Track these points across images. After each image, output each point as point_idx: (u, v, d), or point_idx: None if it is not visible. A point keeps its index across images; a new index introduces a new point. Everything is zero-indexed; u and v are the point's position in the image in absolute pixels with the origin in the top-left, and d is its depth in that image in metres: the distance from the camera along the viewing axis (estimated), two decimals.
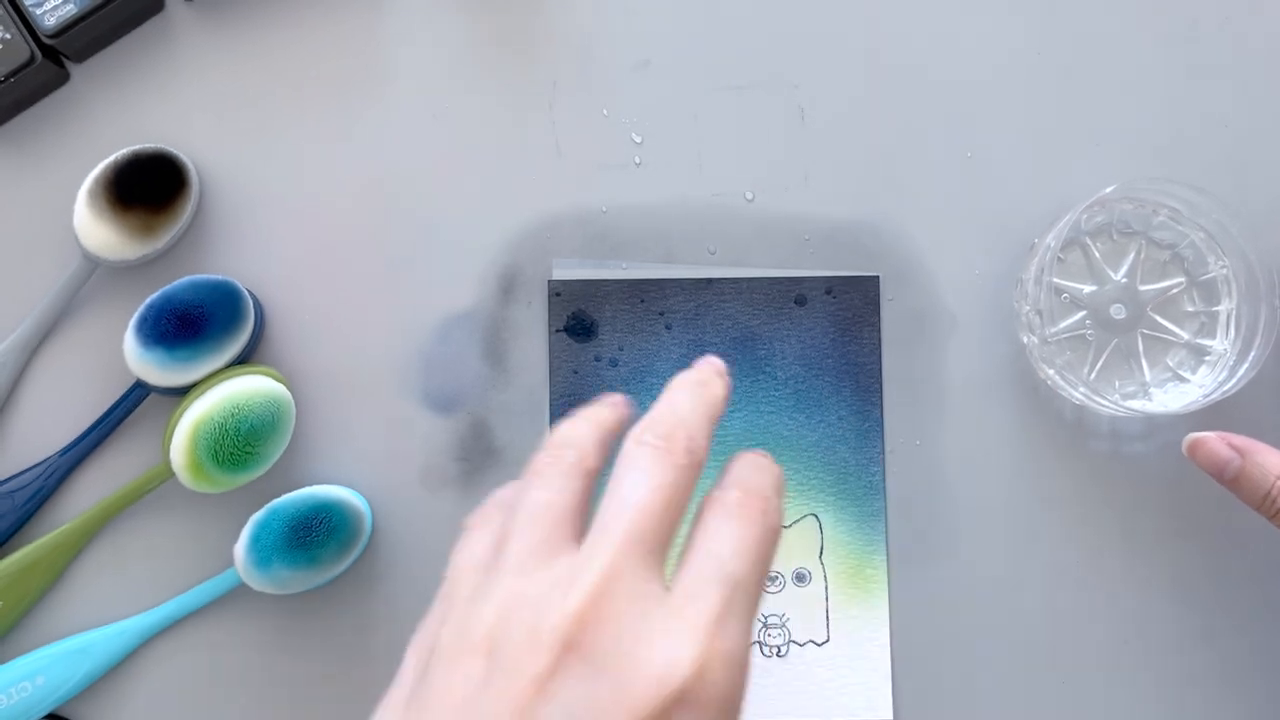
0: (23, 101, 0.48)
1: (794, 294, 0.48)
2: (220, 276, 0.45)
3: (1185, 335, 0.46)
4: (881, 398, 0.47)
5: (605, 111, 0.48)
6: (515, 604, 0.28)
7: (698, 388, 0.32)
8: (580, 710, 0.26)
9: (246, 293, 0.45)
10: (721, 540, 0.29)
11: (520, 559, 0.29)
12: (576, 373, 0.47)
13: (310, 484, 0.46)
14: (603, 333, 0.48)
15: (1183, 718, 0.46)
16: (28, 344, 0.47)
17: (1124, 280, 0.46)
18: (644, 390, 0.47)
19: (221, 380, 0.45)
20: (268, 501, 0.45)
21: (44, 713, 0.45)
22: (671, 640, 0.27)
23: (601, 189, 0.48)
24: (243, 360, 0.46)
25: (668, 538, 0.29)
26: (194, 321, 0.44)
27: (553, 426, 0.47)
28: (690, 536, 0.30)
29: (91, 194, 0.46)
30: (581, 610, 0.27)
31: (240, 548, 0.44)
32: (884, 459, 0.47)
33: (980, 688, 0.46)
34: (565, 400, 0.47)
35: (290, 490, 0.45)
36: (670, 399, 0.32)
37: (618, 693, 0.26)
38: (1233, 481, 0.42)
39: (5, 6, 0.46)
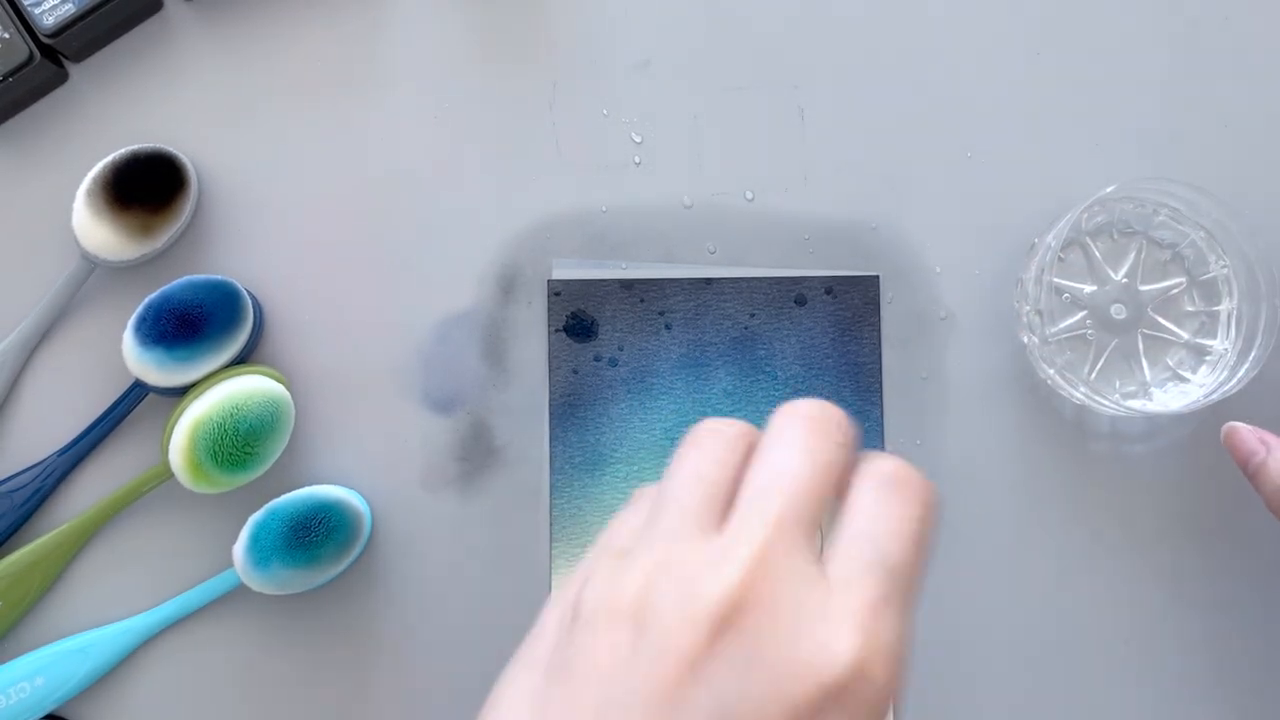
0: (21, 101, 0.47)
1: (794, 293, 0.48)
2: (219, 276, 0.45)
3: (1186, 335, 0.46)
4: (881, 397, 0.47)
5: (605, 111, 0.48)
6: (667, 572, 0.26)
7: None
8: (732, 697, 0.24)
9: (245, 292, 0.45)
10: (879, 520, 0.27)
11: (673, 526, 0.27)
12: (576, 372, 0.47)
13: (309, 484, 0.46)
14: (602, 332, 0.48)
15: (1183, 717, 0.46)
16: (26, 344, 0.47)
17: (1124, 280, 0.46)
18: (644, 390, 0.47)
19: (220, 380, 0.44)
20: (267, 502, 0.45)
21: (43, 713, 0.45)
22: (829, 630, 0.25)
23: (601, 189, 0.48)
24: (242, 360, 0.46)
25: (819, 516, 0.27)
26: (193, 321, 0.44)
27: (552, 426, 0.47)
28: (844, 514, 0.28)
29: (90, 194, 0.46)
30: (737, 587, 0.25)
31: (239, 548, 0.44)
32: None
33: (980, 688, 0.46)
34: (565, 400, 0.47)
35: (289, 490, 0.45)
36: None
37: (772, 683, 0.24)
38: (1254, 475, 0.42)
39: (4, 6, 0.46)
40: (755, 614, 0.25)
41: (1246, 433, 0.43)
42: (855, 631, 0.25)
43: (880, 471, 0.28)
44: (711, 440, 0.29)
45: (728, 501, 0.28)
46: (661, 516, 0.28)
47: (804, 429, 0.28)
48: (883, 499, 0.27)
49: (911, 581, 0.27)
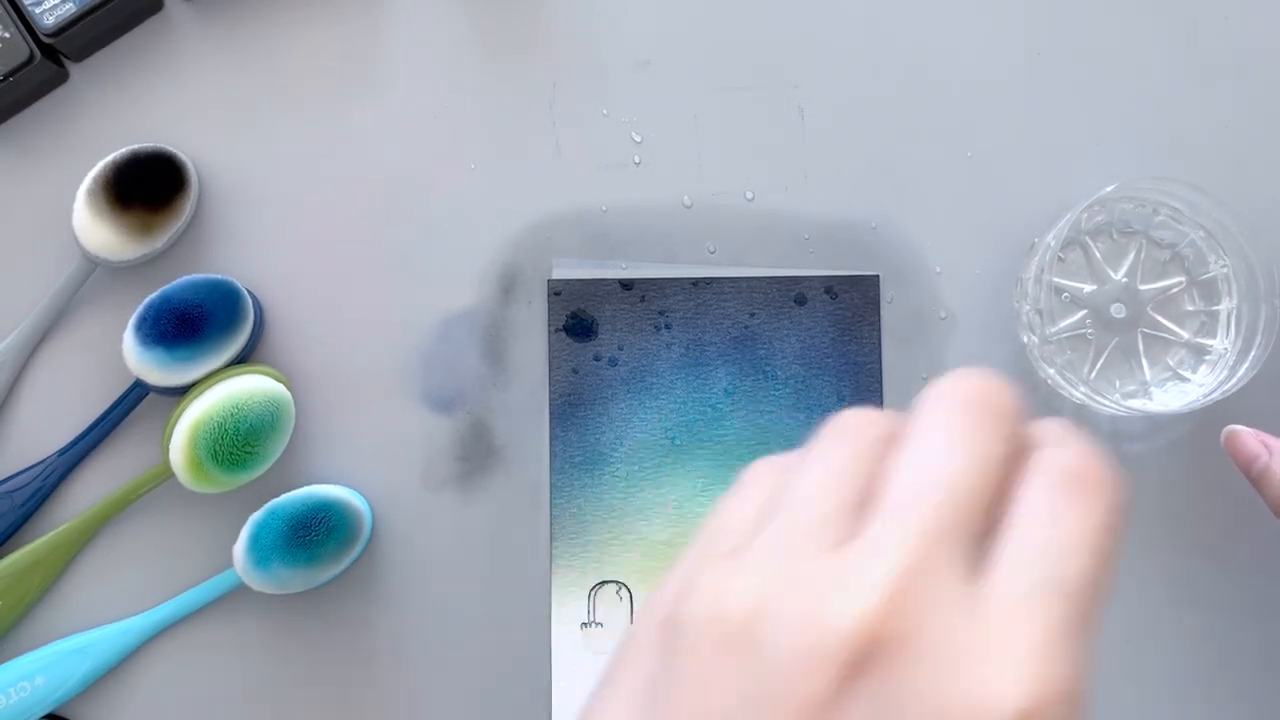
0: (22, 101, 0.47)
1: (794, 293, 0.48)
2: (219, 276, 0.45)
3: (1186, 334, 0.46)
4: (882, 397, 0.47)
5: (605, 111, 0.48)
6: (787, 589, 0.21)
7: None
8: None
9: (246, 292, 0.45)
10: (1053, 529, 0.22)
11: (799, 530, 0.22)
12: (576, 372, 0.47)
13: (310, 483, 0.46)
14: (602, 332, 0.48)
15: (1183, 717, 0.46)
16: (27, 344, 0.47)
17: (1124, 279, 0.46)
18: (643, 390, 0.47)
19: (221, 380, 0.44)
20: (267, 501, 0.45)
21: (43, 713, 0.45)
22: (992, 671, 0.20)
23: (601, 189, 0.48)
24: (242, 360, 0.46)
25: (981, 528, 0.22)
26: (193, 321, 0.44)
27: (553, 427, 0.47)
28: (1009, 519, 0.22)
29: (90, 193, 0.46)
30: (875, 616, 0.20)
31: (239, 547, 0.44)
32: None
33: None
34: (565, 400, 0.47)
35: (289, 490, 0.45)
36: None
37: None
38: (1257, 479, 0.42)
39: (4, 5, 0.46)
40: (897, 652, 0.20)
41: (1247, 436, 0.42)
42: (1024, 673, 0.20)
43: (1056, 466, 0.23)
44: (860, 433, 0.24)
45: (861, 509, 0.23)
46: (785, 514, 0.22)
47: (964, 416, 0.23)
48: (1058, 502, 0.22)
49: (1093, 605, 0.22)
